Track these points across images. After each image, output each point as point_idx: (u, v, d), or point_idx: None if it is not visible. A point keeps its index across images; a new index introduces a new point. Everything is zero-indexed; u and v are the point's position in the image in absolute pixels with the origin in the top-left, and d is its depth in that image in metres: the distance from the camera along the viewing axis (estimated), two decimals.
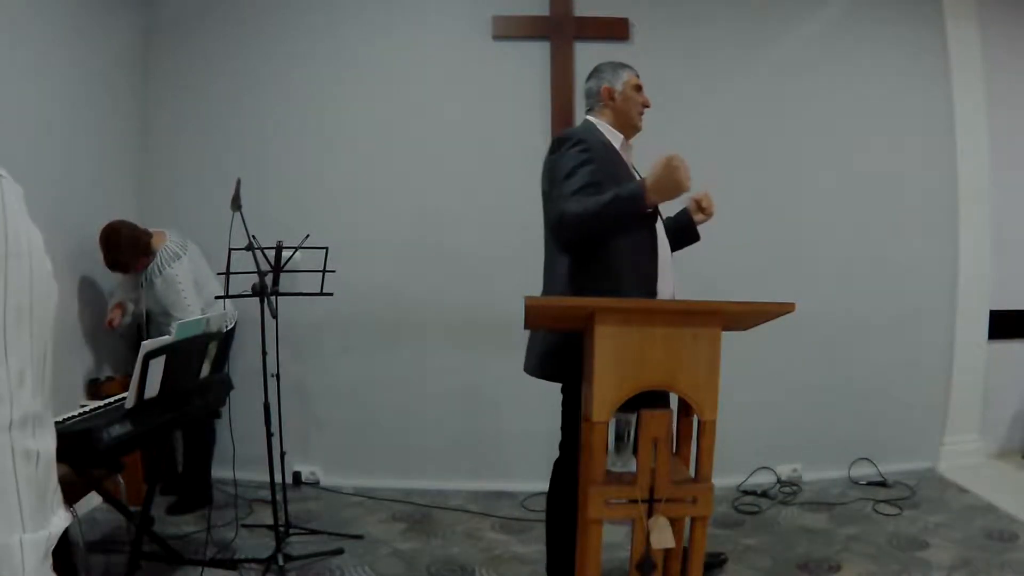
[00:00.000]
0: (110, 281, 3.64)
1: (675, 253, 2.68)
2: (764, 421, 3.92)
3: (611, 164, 2.42)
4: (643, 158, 3.91)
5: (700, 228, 2.76)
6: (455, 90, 3.91)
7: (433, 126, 3.91)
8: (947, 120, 4.00)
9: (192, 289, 3.42)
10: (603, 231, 2.27)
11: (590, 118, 2.57)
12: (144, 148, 3.95)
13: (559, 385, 2.55)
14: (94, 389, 3.47)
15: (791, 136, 3.96)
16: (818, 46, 3.94)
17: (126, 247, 3.34)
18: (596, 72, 2.62)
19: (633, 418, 1.95)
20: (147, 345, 2.32)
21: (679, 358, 1.91)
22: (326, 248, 3.19)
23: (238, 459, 3.20)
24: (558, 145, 2.42)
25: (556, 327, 2.25)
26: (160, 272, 3.40)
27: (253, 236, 2.92)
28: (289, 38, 3.90)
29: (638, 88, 2.57)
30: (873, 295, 3.98)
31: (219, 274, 3.35)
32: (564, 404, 2.51)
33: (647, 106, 2.58)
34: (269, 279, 3.01)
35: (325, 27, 3.90)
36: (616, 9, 3.87)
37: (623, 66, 2.60)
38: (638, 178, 2.38)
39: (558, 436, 3.70)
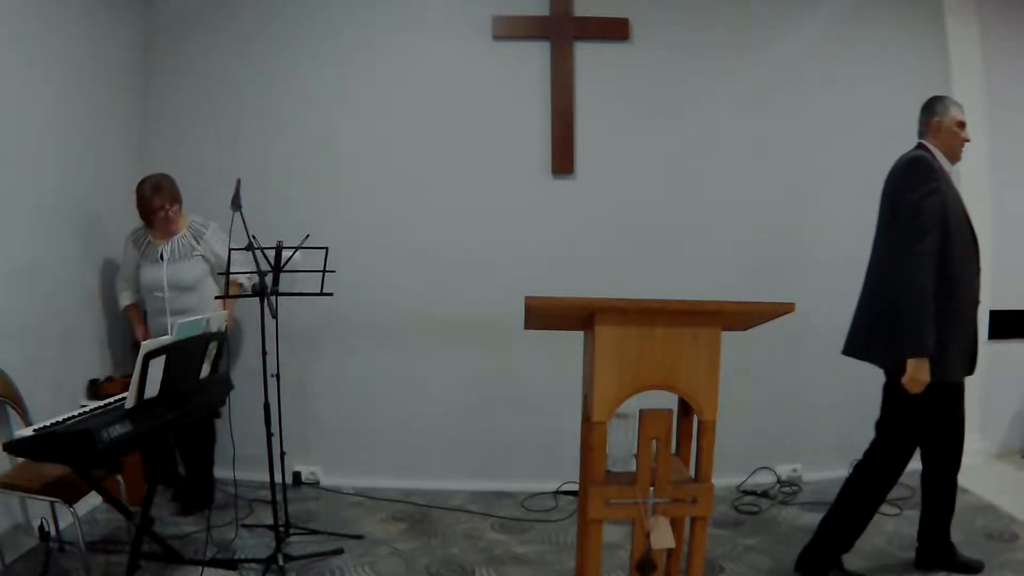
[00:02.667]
0: (110, 281, 3.65)
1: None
2: (764, 421, 3.92)
3: (951, 191, 2.65)
4: (644, 157, 3.93)
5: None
6: (455, 90, 3.91)
7: (433, 126, 3.91)
8: None
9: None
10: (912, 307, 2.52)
11: (926, 143, 2.75)
12: (144, 148, 3.95)
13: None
14: (94, 389, 3.46)
15: (791, 136, 3.96)
16: (818, 46, 3.94)
17: (168, 188, 3.40)
18: (927, 106, 2.81)
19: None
20: (147, 345, 2.32)
21: (679, 358, 1.91)
22: (326, 248, 3.19)
23: (238, 459, 3.20)
24: (921, 171, 2.60)
25: (557, 327, 2.25)
26: (206, 228, 3.49)
27: (253, 236, 2.92)
28: (289, 38, 3.90)
29: (961, 125, 2.73)
30: None
31: (219, 274, 3.35)
32: (888, 391, 2.76)
33: (967, 141, 2.76)
34: (269, 279, 3.01)
35: (325, 27, 3.89)
36: (616, 9, 3.87)
37: (953, 103, 2.77)
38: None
39: (557, 436, 3.72)
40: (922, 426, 2.67)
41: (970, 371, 2.70)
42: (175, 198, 3.45)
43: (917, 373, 2.51)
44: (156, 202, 3.36)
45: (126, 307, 3.59)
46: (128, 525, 2.89)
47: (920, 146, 2.74)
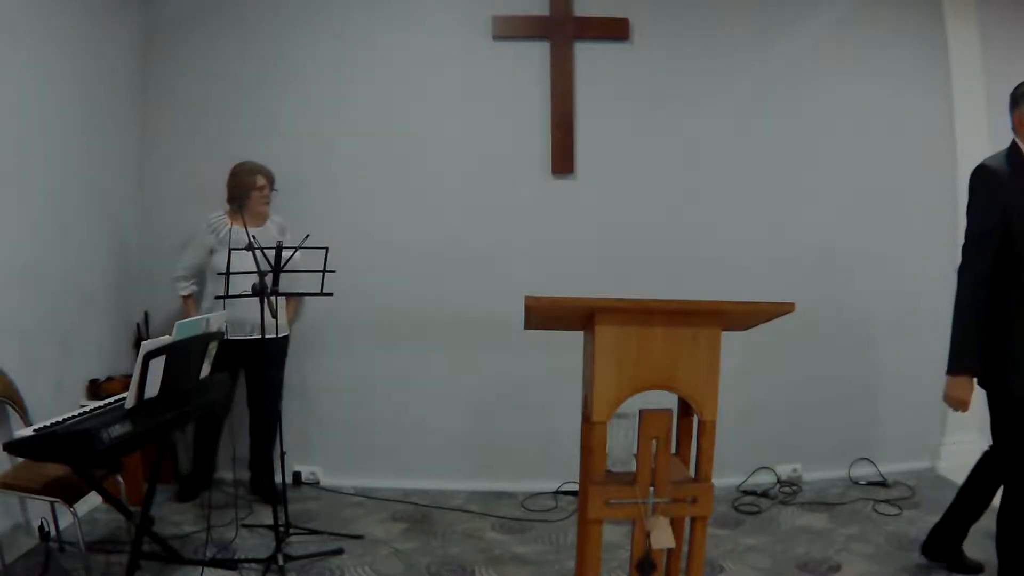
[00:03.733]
0: (110, 281, 3.64)
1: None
2: (764, 421, 3.92)
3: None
4: (644, 157, 3.93)
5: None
6: (455, 90, 3.91)
7: (433, 126, 3.91)
8: (947, 120, 4.00)
9: None
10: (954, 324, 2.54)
11: (1017, 140, 2.55)
12: (144, 148, 3.94)
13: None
14: (94, 389, 3.46)
15: (791, 136, 3.96)
16: (818, 46, 3.94)
17: (269, 171, 3.50)
18: (1012, 97, 2.58)
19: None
20: (147, 345, 2.32)
21: (679, 358, 1.91)
22: (326, 248, 3.19)
23: (238, 459, 3.20)
24: (974, 185, 2.53)
25: (557, 327, 2.25)
26: (285, 226, 3.58)
27: (253, 236, 2.92)
28: (289, 38, 3.90)
29: None
30: (873, 295, 3.98)
31: (219, 274, 3.35)
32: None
33: None
34: (269, 279, 3.01)
35: (325, 27, 3.89)
36: (616, 9, 3.87)
37: None
38: None
39: (557, 436, 3.72)
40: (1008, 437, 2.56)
41: None
42: (272, 182, 3.56)
43: (953, 391, 2.49)
44: (260, 180, 3.47)
45: (184, 297, 3.64)
46: (128, 525, 2.89)
47: (1011, 145, 2.54)
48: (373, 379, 3.93)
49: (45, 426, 2.27)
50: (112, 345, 3.71)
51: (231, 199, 3.54)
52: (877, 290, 3.98)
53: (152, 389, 2.38)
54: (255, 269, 2.93)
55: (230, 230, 3.41)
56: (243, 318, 3.38)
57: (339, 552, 3.07)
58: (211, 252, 3.52)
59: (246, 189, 3.50)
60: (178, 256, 3.65)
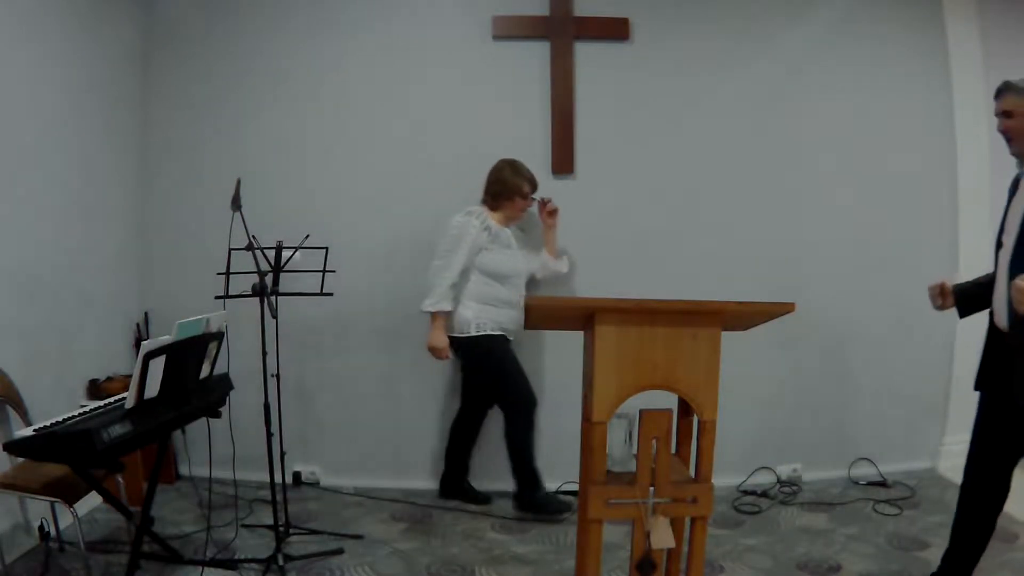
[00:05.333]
0: (110, 281, 3.64)
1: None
2: (764, 421, 3.92)
3: None
4: (645, 157, 3.93)
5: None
6: (455, 90, 3.91)
7: (433, 126, 3.90)
8: (947, 120, 3.99)
9: None
10: None
11: None
12: (144, 148, 3.94)
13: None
14: (94, 389, 3.46)
15: (791, 136, 3.96)
16: (818, 46, 3.94)
17: (536, 182, 3.49)
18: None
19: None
20: (147, 345, 2.32)
21: (679, 358, 1.91)
22: (326, 248, 3.19)
23: (238, 459, 3.20)
24: None
25: (557, 327, 2.25)
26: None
27: (253, 236, 2.92)
28: (289, 38, 3.90)
29: None
30: (873, 295, 3.97)
31: (219, 274, 3.35)
32: None
33: None
34: (269, 279, 3.01)
35: (325, 27, 3.89)
36: (616, 9, 3.87)
37: None
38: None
39: (557, 436, 3.71)
40: None
41: None
42: (535, 191, 3.54)
43: None
44: (527, 188, 3.45)
45: (441, 314, 3.39)
46: (128, 525, 2.89)
47: None
48: (373, 379, 3.93)
49: (45, 426, 2.27)
50: (112, 345, 3.71)
51: (494, 195, 3.47)
52: (877, 290, 3.97)
53: (152, 389, 2.38)
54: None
55: (495, 227, 3.41)
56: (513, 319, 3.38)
57: (339, 552, 3.07)
58: (479, 252, 3.40)
59: (511, 192, 3.45)
60: (439, 260, 3.40)
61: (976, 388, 2.54)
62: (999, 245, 2.49)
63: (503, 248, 3.46)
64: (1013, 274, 2.29)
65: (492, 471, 3.80)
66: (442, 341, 3.43)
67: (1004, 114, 2.42)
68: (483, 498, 3.68)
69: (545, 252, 3.66)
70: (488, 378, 3.57)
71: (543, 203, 3.63)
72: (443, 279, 3.35)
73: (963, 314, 2.61)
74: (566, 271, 3.74)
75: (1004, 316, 2.36)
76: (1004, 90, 2.46)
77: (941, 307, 2.58)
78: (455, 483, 3.74)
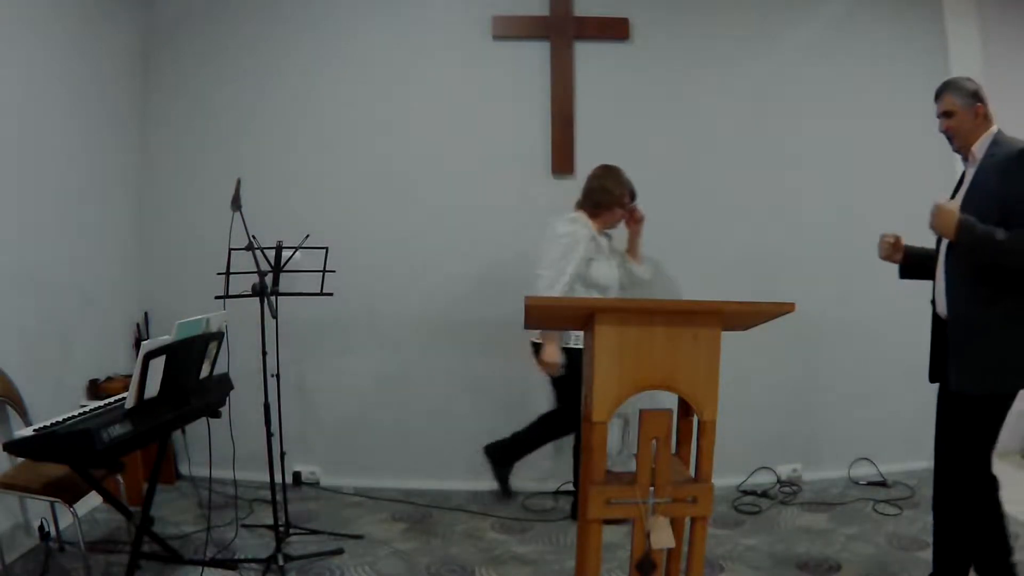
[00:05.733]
0: (110, 281, 3.64)
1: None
2: (764, 421, 3.92)
3: None
4: (644, 157, 3.93)
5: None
6: (455, 90, 3.91)
7: (433, 126, 3.91)
8: None
9: None
10: None
11: None
12: (144, 148, 3.95)
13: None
14: (94, 389, 3.46)
15: (791, 135, 3.96)
16: (818, 45, 3.94)
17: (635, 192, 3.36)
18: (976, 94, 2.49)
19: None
20: (147, 345, 2.32)
21: (679, 358, 1.91)
22: (326, 248, 3.19)
23: (238, 459, 3.20)
24: None
25: (557, 327, 2.25)
26: None
27: (253, 236, 2.92)
28: (289, 38, 3.90)
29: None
30: (873, 294, 3.97)
31: (219, 274, 3.35)
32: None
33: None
34: (269, 279, 3.01)
35: (324, 27, 3.89)
36: (616, 9, 3.87)
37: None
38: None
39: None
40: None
41: None
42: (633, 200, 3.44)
43: None
44: (627, 199, 3.35)
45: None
46: (128, 525, 2.89)
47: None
48: (373, 379, 3.93)
49: (45, 426, 2.27)
50: (112, 345, 3.71)
51: (595, 203, 3.32)
52: (877, 289, 3.96)
53: (152, 389, 2.38)
54: None
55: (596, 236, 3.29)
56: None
57: (339, 552, 3.07)
58: (587, 263, 3.23)
59: (614, 202, 3.31)
60: (549, 270, 3.17)
61: (931, 380, 2.59)
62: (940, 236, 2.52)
63: (604, 258, 3.31)
64: (950, 265, 2.39)
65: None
66: (557, 356, 3.20)
67: (945, 114, 2.50)
68: None
69: (630, 259, 3.54)
70: (571, 387, 3.20)
71: (632, 210, 3.48)
72: (556, 291, 3.12)
73: (904, 275, 2.72)
74: (649, 278, 3.61)
75: (944, 304, 2.43)
76: (943, 91, 2.53)
77: (887, 257, 2.66)
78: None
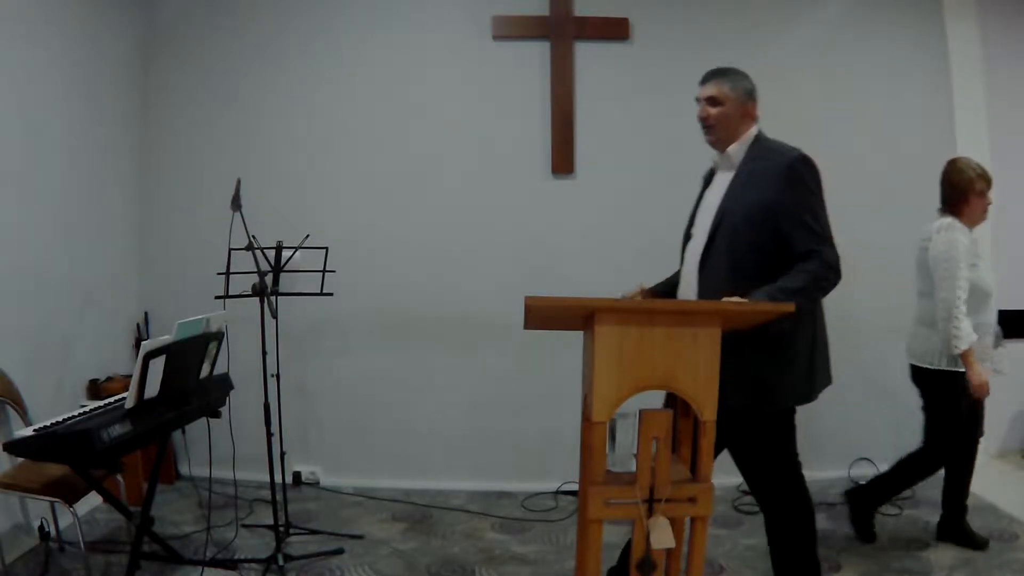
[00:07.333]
0: (110, 281, 3.64)
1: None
2: None
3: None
4: (645, 157, 3.93)
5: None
6: (455, 90, 3.91)
7: (433, 126, 3.91)
8: (947, 120, 3.99)
9: None
10: None
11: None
12: (144, 148, 3.95)
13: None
14: (94, 389, 3.46)
15: (790, 135, 3.93)
16: (818, 46, 3.94)
17: (990, 178, 3.04)
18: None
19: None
20: (147, 345, 2.32)
21: (679, 358, 1.91)
22: (326, 248, 3.19)
23: (238, 459, 3.20)
24: None
25: (556, 327, 2.25)
26: None
27: (253, 236, 2.92)
28: (289, 38, 3.90)
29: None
30: (873, 295, 3.97)
31: (219, 274, 3.35)
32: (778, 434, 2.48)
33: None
34: (269, 279, 3.01)
35: (325, 27, 3.89)
36: (616, 9, 3.87)
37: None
38: None
39: (557, 436, 3.72)
40: None
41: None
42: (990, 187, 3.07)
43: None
44: (980, 185, 3.02)
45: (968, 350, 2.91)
46: (128, 525, 2.89)
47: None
48: (373, 379, 3.93)
49: (45, 426, 2.27)
50: (112, 345, 3.71)
51: (945, 200, 3.07)
52: (877, 289, 3.97)
53: (152, 389, 2.38)
54: None
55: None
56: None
57: (339, 552, 3.07)
58: (972, 267, 2.98)
59: (963, 193, 3.01)
60: (945, 292, 2.97)
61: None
62: (687, 238, 2.47)
63: (981, 260, 3.04)
64: (704, 267, 2.31)
65: None
66: (985, 375, 2.98)
67: (710, 100, 2.36)
68: (981, 542, 3.09)
69: None
70: (949, 417, 3.08)
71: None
72: (959, 310, 2.90)
73: None
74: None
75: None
76: (718, 76, 2.39)
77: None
78: (954, 524, 3.19)
